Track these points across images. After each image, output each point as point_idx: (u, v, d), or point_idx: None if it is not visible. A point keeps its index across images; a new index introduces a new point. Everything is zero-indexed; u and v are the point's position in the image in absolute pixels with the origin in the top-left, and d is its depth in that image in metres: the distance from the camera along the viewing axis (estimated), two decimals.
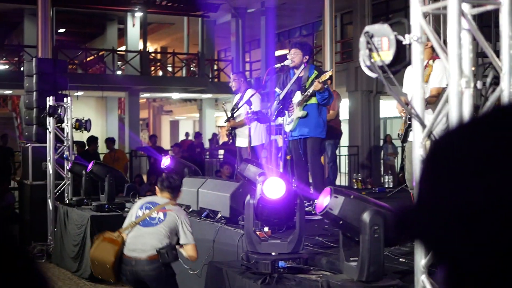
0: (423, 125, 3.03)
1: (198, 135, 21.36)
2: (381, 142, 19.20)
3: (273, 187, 4.46)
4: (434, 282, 3.15)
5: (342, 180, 18.45)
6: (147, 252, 5.30)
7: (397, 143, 16.04)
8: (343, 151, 19.73)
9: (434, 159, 0.87)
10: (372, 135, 18.91)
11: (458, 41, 2.84)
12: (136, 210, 5.62)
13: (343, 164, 20.18)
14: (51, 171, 10.34)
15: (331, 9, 16.33)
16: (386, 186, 12.87)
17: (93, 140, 13.58)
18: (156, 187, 5.85)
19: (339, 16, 23.07)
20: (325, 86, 7.27)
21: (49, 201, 10.41)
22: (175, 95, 27.10)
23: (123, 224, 5.69)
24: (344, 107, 18.73)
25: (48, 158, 10.38)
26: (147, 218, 5.45)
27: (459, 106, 2.86)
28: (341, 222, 4.13)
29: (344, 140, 20.41)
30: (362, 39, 3.11)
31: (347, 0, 19.27)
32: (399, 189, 9.80)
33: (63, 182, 10.63)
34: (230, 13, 24.42)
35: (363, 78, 17.98)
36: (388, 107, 19.14)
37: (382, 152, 18.55)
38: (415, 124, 3.06)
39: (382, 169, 18.44)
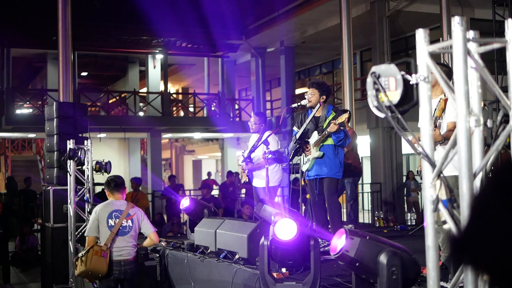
0: (433, 165, 3.00)
1: (230, 174, 21.27)
2: (404, 179, 19.07)
3: (284, 228, 4.43)
4: None
5: (365, 217, 18.31)
6: (131, 255, 7.08)
7: (420, 179, 15.93)
8: (366, 188, 19.63)
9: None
10: (395, 171, 18.79)
11: (465, 79, 2.82)
12: (105, 219, 7.07)
13: (366, 201, 20.06)
14: (71, 213, 10.38)
15: (350, 46, 16.44)
16: (409, 223, 12.74)
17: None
18: (106, 191, 7.32)
19: (358, 53, 23.17)
20: (341, 128, 7.27)
21: (70, 243, 10.43)
22: (197, 135, 27.23)
23: (87, 227, 7.32)
24: (365, 144, 18.69)
25: (68, 201, 10.43)
26: (120, 228, 7.02)
27: (468, 145, 2.83)
28: (357, 264, 4.07)
29: (367, 177, 20.35)
30: (369, 80, 3.10)
31: (366, 38, 19.35)
32: (421, 226, 9.68)
33: (84, 224, 10.65)
34: (250, 52, 24.63)
35: None
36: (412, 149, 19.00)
37: (405, 189, 18.40)
38: (425, 164, 3.03)
39: (405, 206, 18.28)
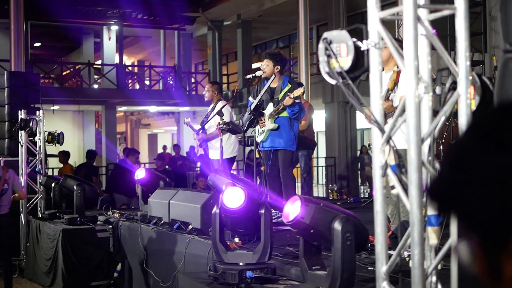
0: (382, 131, 3.02)
1: (177, 147, 21.22)
2: (358, 153, 19.27)
3: (232, 196, 4.43)
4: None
5: (319, 191, 18.46)
6: (6, 210, 8.32)
7: None
8: (321, 162, 19.78)
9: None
10: (349, 146, 18.96)
11: (415, 46, 2.84)
12: None
13: (321, 175, 20.21)
14: (23, 185, 10.23)
15: (306, 21, 16.43)
16: (362, 196, 12.90)
17: (94, 154, 14.63)
18: None
19: (315, 28, 23.18)
20: (297, 101, 7.28)
21: (22, 215, 10.30)
22: (152, 108, 27.02)
23: None
24: (320, 119, 18.78)
25: (20, 172, 10.27)
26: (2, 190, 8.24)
27: (417, 112, 2.86)
28: (312, 231, 4.10)
29: (321, 151, 20.49)
30: (321, 46, 3.10)
31: (323, 12, 19.36)
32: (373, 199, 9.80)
33: (36, 196, 10.52)
34: (207, 26, 24.43)
35: (339, 89, 18.01)
36: (364, 118, 19.18)
37: (359, 163, 18.60)
38: (374, 130, 3.06)
39: (359, 180, 18.49)
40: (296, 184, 8.43)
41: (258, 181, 9.61)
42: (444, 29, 13.69)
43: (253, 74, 7.77)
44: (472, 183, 0.93)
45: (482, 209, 0.92)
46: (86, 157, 14.32)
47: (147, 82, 26.34)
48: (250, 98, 7.83)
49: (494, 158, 0.92)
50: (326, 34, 3.10)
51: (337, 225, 3.92)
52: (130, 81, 25.95)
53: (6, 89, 11.05)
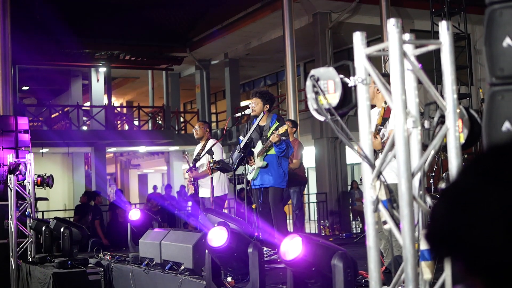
0: (372, 166, 3.03)
1: (168, 187, 21.18)
2: (349, 188, 19.26)
3: (215, 236, 4.44)
4: None
5: (311, 227, 18.42)
6: None
7: None
8: (312, 198, 19.75)
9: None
10: (340, 181, 18.95)
11: (402, 81, 2.86)
12: None
13: (312, 211, 20.17)
14: (13, 229, 10.14)
15: (293, 58, 16.59)
16: (354, 231, 12.86)
17: (95, 194, 15.01)
18: None
19: (302, 65, 23.36)
20: (283, 138, 7.30)
21: (12, 259, 10.19)
22: (142, 149, 27.01)
23: None
24: (310, 155, 18.80)
25: (9, 216, 10.19)
26: None
27: (406, 146, 2.87)
28: (313, 269, 4.09)
29: (312, 187, 20.47)
30: (308, 83, 3.12)
31: (310, 49, 19.53)
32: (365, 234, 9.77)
33: (26, 240, 10.42)
34: (194, 65, 24.58)
35: (328, 125, 18.00)
36: (354, 153, 19.23)
37: (349, 199, 18.59)
38: (364, 166, 3.06)
39: (351, 215, 18.46)
40: (288, 220, 8.41)
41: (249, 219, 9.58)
42: (430, 63, 13.82)
43: (242, 113, 7.81)
44: (477, 224, 0.88)
45: (490, 252, 0.86)
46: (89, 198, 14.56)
47: (136, 123, 26.37)
48: (241, 137, 7.87)
49: (497, 196, 0.87)
50: (313, 71, 3.12)
51: (338, 262, 3.95)
52: (119, 122, 25.98)
53: None
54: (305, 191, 13.90)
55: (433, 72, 14.36)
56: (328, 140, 18.63)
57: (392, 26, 2.83)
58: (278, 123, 7.55)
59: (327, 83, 3.08)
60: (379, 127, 5.80)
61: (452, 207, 0.92)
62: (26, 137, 11.32)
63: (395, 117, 2.88)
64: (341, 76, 3.10)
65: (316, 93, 3.10)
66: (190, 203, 18.84)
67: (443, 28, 2.97)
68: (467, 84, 16.19)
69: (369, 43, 3.06)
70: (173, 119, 25.06)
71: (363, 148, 3.04)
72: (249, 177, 7.68)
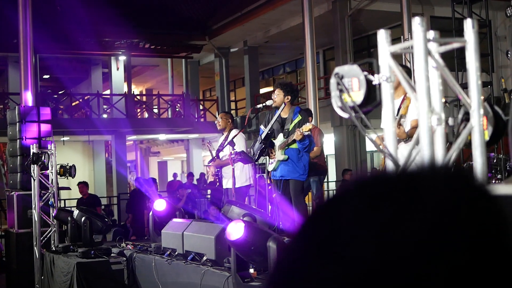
0: (397, 165, 3.04)
1: (190, 175, 21.24)
2: None
3: (233, 229, 4.57)
4: None
5: None
6: None
7: None
8: (331, 186, 19.75)
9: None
10: (359, 169, 18.94)
11: (426, 79, 2.87)
12: None
13: None
14: (36, 219, 10.26)
15: (312, 46, 16.53)
16: None
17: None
18: None
19: (321, 52, 23.28)
20: (306, 134, 7.28)
21: (35, 249, 10.31)
22: (162, 136, 27.12)
23: None
24: (329, 142, 18.80)
25: (33, 206, 10.30)
26: None
27: (430, 143, 2.88)
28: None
29: (332, 175, 20.47)
30: (333, 81, 3.13)
31: (329, 37, 19.47)
32: None
33: (49, 229, 10.54)
34: (213, 53, 24.59)
35: None
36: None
37: None
38: (389, 163, 3.07)
39: None
40: (309, 208, 8.44)
41: (270, 208, 9.62)
42: (451, 51, 13.69)
43: (264, 104, 7.82)
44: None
45: None
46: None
47: (155, 111, 26.48)
48: (262, 127, 7.87)
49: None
50: (337, 69, 3.14)
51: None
52: (139, 110, 26.09)
53: (17, 123, 11.14)
54: (325, 180, 13.91)
55: (453, 60, 14.25)
56: (348, 127, 18.61)
57: (417, 24, 2.83)
58: (301, 117, 7.55)
59: (351, 81, 3.09)
60: (402, 118, 5.80)
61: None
62: (48, 127, 11.42)
63: (420, 116, 2.89)
64: (365, 73, 3.11)
65: (340, 90, 3.11)
66: (209, 191, 18.96)
67: (468, 26, 2.97)
68: (488, 72, 16.07)
69: (392, 41, 3.06)
70: (192, 106, 25.12)
71: (388, 146, 3.05)
72: (270, 168, 7.71)
